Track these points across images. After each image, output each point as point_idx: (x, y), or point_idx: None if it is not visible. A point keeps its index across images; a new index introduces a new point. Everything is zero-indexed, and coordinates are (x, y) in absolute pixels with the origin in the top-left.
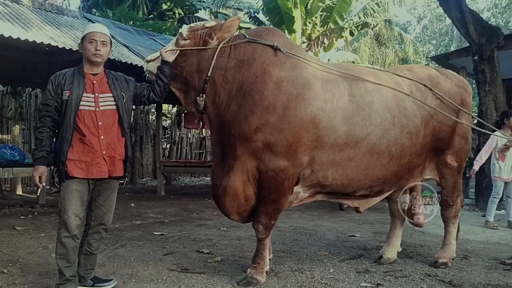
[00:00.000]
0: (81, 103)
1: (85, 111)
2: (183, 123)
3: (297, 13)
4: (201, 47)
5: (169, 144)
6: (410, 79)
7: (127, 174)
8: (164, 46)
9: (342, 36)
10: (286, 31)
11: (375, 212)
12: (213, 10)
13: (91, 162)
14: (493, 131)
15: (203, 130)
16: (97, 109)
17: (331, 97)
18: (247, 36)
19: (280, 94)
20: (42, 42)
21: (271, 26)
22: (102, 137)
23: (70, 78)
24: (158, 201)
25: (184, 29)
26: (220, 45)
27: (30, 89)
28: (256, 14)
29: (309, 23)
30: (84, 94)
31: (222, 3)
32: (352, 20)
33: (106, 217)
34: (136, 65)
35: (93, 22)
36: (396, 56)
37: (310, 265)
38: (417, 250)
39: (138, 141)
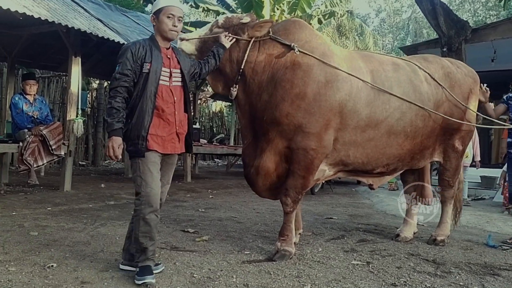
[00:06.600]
0: (160, 77)
1: (164, 86)
2: None
3: None
4: (242, 38)
5: None
6: (426, 70)
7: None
8: (137, 23)
9: (310, 24)
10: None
11: (346, 197)
12: None
13: (167, 137)
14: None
15: None
16: (171, 85)
17: (356, 83)
18: (270, 33)
19: (310, 82)
20: (16, 11)
21: (239, 10)
22: (176, 112)
23: (149, 50)
24: (128, 182)
25: (221, 18)
26: (253, 39)
27: None
28: None
29: (277, 9)
30: (163, 69)
31: None
32: (319, 8)
33: (164, 190)
34: (113, 40)
35: None
36: (356, 47)
37: (298, 244)
38: (394, 232)
39: (101, 122)
